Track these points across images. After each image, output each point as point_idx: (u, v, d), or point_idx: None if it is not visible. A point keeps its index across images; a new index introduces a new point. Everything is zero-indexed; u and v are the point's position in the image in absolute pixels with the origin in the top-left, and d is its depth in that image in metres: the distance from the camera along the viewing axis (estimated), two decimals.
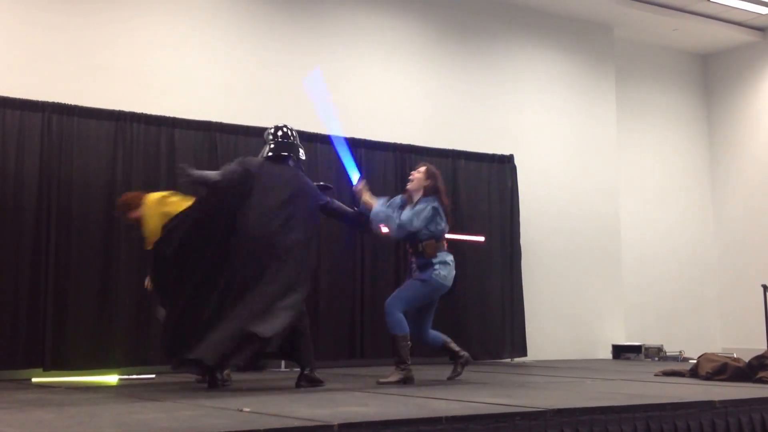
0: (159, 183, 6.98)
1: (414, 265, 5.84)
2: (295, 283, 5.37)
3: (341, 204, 5.90)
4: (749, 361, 6.03)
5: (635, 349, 9.16)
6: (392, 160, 8.27)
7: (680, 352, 9.05)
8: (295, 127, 7.59)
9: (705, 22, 10.36)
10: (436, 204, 5.76)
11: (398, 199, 5.98)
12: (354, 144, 7.98)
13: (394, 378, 5.60)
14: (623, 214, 10.14)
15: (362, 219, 5.81)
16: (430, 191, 5.80)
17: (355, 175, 5.99)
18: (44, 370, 6.34)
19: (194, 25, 7.72)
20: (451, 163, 8.53)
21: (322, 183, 5.86)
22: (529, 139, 9.49)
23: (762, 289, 9.02)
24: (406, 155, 8.35)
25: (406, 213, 5.71)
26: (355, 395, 4.85)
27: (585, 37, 10.08)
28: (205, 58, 7.72)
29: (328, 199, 5.76)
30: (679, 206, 10.96)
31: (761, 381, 5.73)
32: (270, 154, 5.60)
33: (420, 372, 6.52)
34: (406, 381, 5.62)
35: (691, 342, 9.71)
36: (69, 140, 6.67)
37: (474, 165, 8.74)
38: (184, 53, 7.62)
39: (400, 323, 5.68)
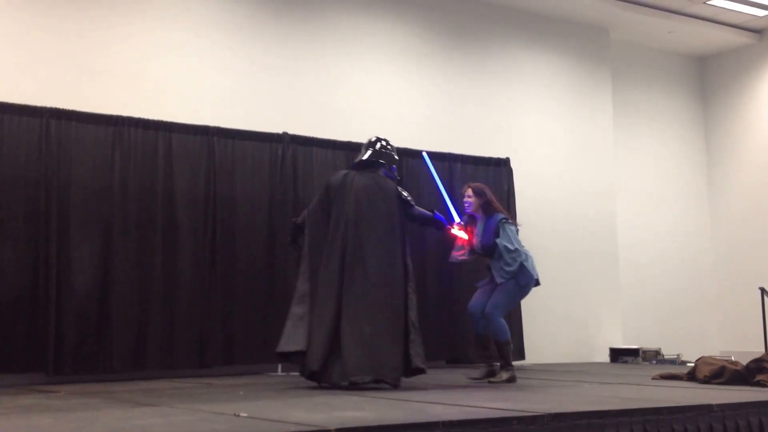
0: (156, 187, 6.98)
1: (495, 270, 6.30)
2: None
3: (422, 209, 6.25)
4: (747, 364, 6.04)
5: (633, 353, 9.16)
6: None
7: (678, 355, 9.05)
8: (291, 131, 7.70)
9: (701, 25, 10.38)
10: (502, 217, 6.42)
11: (463, 220, 6.55)
12: (350, 147, 8.00)
13: (503, 377, 6.16)
14: (620, 217, 10.14)
15: (439, 223, 6.35)
16: (487, 207, 6.44)
17: (455, 218, 6.51)
18: (47, 375, 6.32)
19: (192, 29, 7.72)
20: (447, 167, 8.52)
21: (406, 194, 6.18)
22: (525, 141, 9.50)
23: (759, 291, 9.04)
24: (402, 158, 8.33)
25: (504, 245, 6.27)
26: (353, 399, 4.84)
27: (581, 40, 10.09)
28: (203, 62, 7.72)
29: (412, 206, 6.11)
30: (676, 208, 10.97)
31: (759, 384, 5.73)
32: (361, 160, 6.06)
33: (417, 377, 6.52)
34: (511, 380, 6.17)
35: (689, 345, 9.72)
36: (67, 145, 6.65)
37: (470, 168, 8.74)
38: (182, 58, 7.61)
39: (503, 329, 6.25)
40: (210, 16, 7.82)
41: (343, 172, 6.07)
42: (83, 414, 4.33)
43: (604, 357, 9.43)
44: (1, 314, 6.25)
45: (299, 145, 7.74)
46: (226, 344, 7.11)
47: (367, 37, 8.70)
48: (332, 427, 3.43)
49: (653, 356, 9.07)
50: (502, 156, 9.03)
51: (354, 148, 7.99)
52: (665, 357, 9.07)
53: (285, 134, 7.69)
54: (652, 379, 6.53)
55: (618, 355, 9.31)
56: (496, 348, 6.27)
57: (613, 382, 6.24)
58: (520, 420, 3.84)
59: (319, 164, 7.85)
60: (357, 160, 6.11)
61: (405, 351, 5.67)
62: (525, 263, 6.29)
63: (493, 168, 8.91)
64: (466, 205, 6.51)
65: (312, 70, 8.29)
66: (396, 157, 6.20)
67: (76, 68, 7.05)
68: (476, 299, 6.42)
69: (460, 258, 6.47)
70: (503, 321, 6.26)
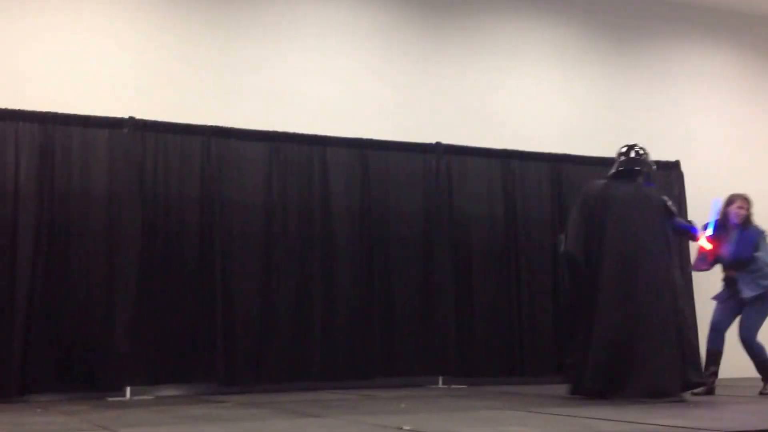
0: (313, 202, 7.07)
1: (744, 283, 6.27)
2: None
3: (681, 220, 6.31)
4: None
5: None
6: (547, 171, 8.01)
7: None
8: (444, 141, 7.62)
9: None
10: (763, 230, 6.50)
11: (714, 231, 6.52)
12: (506, 156, 7.84)
13: None
14: None
15: (693, 234, 6.37)
16: (749, 219, 6.53)
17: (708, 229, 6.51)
18: (217, 385, 6.54)
19: (342, 42, 7.73)
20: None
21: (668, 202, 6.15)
22: (696, 143, 8.96)
23: None
24: (563, 165, 8.07)
25: (765, 259, 6.34)
26: (516, 415, 4.69)
27: (754, 33, 9.45)
28: (354, 74, 7.73)
29: (675, 215, 6.07)
30: None
31: None
32: (616, 171, 6.01)
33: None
34: None
35: None
36: (227, 162, 6.83)
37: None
38: (334, 71, 7.66)
39: (762, 349, 6.29)
40: (359, 29, 7.85)
41: (602, 182, 5.98)
42: (251, 424, 4.41)
43: None
44: (174, 327, 6.50)
45: (453, 155, 7.64)
46: (386, 356, 7.10)
47: (522, 40, 8.48)
48: None
49: None
50: (671, 159, 8.56)
51: (510, 156, 7.85)
52: None
53: (438, 144, 7.62)
54: None
55: None
56: (759, 367, 6.30)
57: None
58: None
59: (474, 174, 7.72)
60: (614, 170, 6.04)
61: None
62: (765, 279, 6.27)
63: (662, 172, 8.39)
64: (737, 215, 6.48)
65: (464, 78, 8.16)
66: (654, 165, 6.17)
67: (232, 86, 7.23)
68: (720, 316, 6.40)
69: (703, 268, 6.51)
70: (759, 341, 6.28)
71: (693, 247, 6.65)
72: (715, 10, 9.26)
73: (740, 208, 6.48)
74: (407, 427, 4.00)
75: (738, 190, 8.92)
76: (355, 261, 7.12)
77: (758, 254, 6.28)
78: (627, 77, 8.86)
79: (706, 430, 3.75)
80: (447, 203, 7.53)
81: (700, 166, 8.79)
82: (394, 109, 7.83)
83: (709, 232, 6.38)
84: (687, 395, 5.64)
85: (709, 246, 6.35)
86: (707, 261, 6.44)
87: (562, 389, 5.91)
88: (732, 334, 6.48)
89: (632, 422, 4.13)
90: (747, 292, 6.20)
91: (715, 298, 6.52)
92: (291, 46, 7.57)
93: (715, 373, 6.27)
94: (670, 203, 5.99)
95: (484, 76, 8.25)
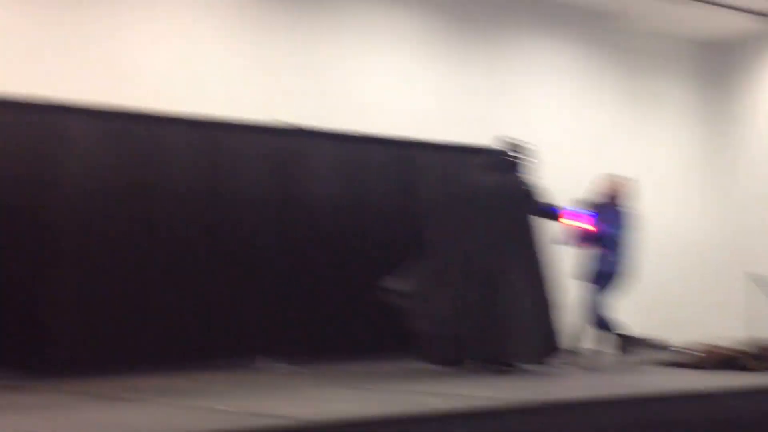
0: (151, 181, 6.87)
1: (599, 259, 6.69)
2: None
3: (545, 203, 6.47)
4: (747, 350, 5.99)
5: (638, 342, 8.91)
6: (396, 156, 8.04)
7: (673, 343, 8.71)
8: (299, 123, 7.52)
9: (712, 10, 10.03)
10: (627, 211, 6.90)
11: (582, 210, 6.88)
12: (345, 139, 7.81)
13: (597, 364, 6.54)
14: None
15: (554, 215, 6.56)
16: (618, 199, 6.91)
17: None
18: (25, 370, 6.01)
19: (187, 17, 7.46)
20: (454, 157, 8.18)
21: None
22: (530, 132, 9.21)
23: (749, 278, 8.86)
24: (413, 151, 8.11)
25: (620, 237, 6.76)
26: (343, 392, 4.76)
27: (588, 27, 9.83)
28: (208, 52, 7.49)
29: (537, 201, 6.35)
30: (683, 197, 10.67)
31: (747, 369, 5.69)
32: (486, 162, 6.41)
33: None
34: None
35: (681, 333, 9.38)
36: (64, 141, 6.51)
37: (468, 158, 8.50)
38: (182, 47, 7.35)
39: (608, 322, 6.71)
40: (211, 4, 7.63)
41: (469, 174, 6.43)
42: (61, 411, 4.26)
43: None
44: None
45: (304, 138, 7.54)
46: (212, 336, 6.87)
47: (379, 26, 8.48)
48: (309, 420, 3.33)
49: (656, 346, 8.73)
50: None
51: (348, 139, 7.83)
52: (666, 346, 8.71)
53: (287, 126, 7.51)
54: (657, 366, 6.38)
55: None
56: (594, 334, 6.70)
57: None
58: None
59: (328, 157, 7.68)
60: (483, 160, 6.41)
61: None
62: (628, 258, 6.71)
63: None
64: (607, 193, 6.87)
65: (320, 61, 8.04)
66: (524, 156, 6.45)
67: (70, 60, 6.87)
68: (584, 294, 6.77)
69: (572, 244, 6.78)
70: (607, 315, 6.65)
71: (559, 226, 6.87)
72: (547, 3, 9.60)
73: (612, 187, 6.85)
74: (221, 407, 3.98)
75: (571, 179, 9.38)
76: (184, 241, 6.89)
77: (619, 232, 6.68)
78: (478, 67, 8.99)
79: (508, 400, 3.92)
80: (295, 185, 7.47)
81: (541, 154, 9.12)
82: (246, 89, 7.65)
83: (579, 209, 6.72)
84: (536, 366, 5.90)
85: (577, 224, 6.68)
86: (576, 238, 6.75)
87: (403, 365, 6.04)
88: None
89: (445, 394, 4.27)
90: (605, 267, 6.63)
91: (578, 276, 6.83)
92: (130, 19, 7.23)
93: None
94: (532, 189, 6.34)
95: (340, 60, 8.18)
